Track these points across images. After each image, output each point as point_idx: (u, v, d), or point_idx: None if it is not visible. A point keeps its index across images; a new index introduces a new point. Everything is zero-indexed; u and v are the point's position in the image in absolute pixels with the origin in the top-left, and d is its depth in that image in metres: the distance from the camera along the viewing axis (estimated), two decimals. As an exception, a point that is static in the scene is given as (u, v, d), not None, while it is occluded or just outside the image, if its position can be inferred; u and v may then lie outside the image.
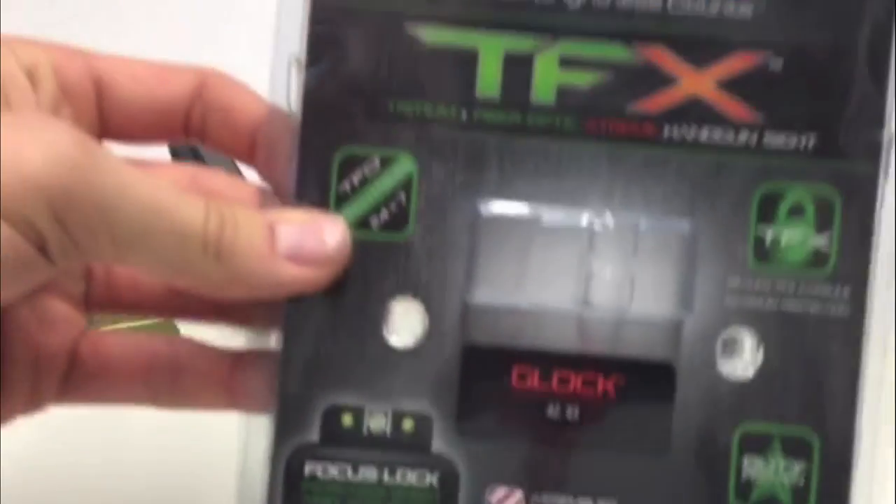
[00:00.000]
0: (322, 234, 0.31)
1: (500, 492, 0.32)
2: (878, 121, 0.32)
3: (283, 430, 0.32)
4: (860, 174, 0.32)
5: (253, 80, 0.34)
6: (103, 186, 0.27)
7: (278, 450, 0.32)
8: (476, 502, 0.32)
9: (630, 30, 0.32)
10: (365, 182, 0.32)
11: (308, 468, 0.32)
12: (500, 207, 0.32)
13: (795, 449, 0.32)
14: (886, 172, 0.32)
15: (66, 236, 0.27)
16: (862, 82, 0.32)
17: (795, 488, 0.32)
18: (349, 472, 0.32)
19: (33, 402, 0.33)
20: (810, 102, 0.32)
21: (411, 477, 0.32)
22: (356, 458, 0.32)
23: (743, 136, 0.32)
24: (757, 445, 0.32)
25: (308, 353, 0.32)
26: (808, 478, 0.32)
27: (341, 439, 0.32)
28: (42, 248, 0.27)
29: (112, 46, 0.34)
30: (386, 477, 0.32)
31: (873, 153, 0.32)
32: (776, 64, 0.32)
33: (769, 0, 0.32)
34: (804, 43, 0.32)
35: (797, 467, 0.32)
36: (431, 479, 0.32)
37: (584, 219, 0.32)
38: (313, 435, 0.32)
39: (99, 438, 0.41)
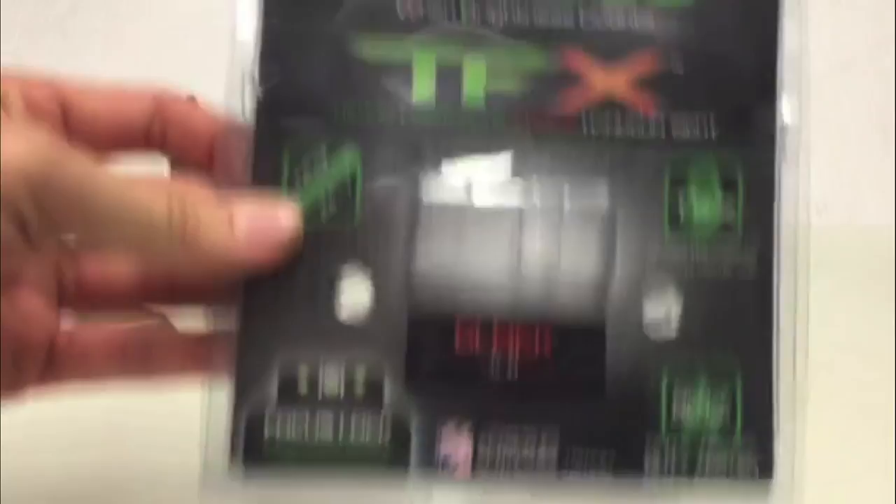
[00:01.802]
0: (276, 217, 0.34)
1: (450, 439, 0.34)
2: (771, 112, 0.36)
3: (243, 396, 0.34)
4: (759, 158, 0.36)
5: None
6: (77, 176, 0.30)
7: (238, 415, 0.34)
8: (428, 454, 0.34)
9: (549, 42, 0.36)
10: (313, 166, 0.35)
11: (267, 430, 0.34)
12: (438, 194, 0.35)
13: (719, 383, 0.34)
14: (783, 155, 0.36)
15: (45, 218, 0.30)
16: (754, 81, 0.36)
17: (723, 417, 0.34)
18: (306, 432, 0.34)
19: (15, 389, 0.35)
20: (710, 99, 0.36)
21: (365, 434, 0.34)
22: (312, 419, 0.34)
23: (652, 129, 0.36)
24: (684, 383, 0.34)
25: (264, 325, 0.34)
26: (733, 407, 0.34)
27: (298, 402, 0.34)
28: (23, 230, 0.30)
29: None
30: (341, 435, 0.34)
31: (769, 140, 0.36)
32: (677, 67, 0.36)
33: (669, 14, 0.36)
34: (701, 50, 0.36)
35: (722, 398, 0.34)
36: (384, 434, 0.34)
37: (514, 200, 0.35)
38: (271, 399, 0.34)
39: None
